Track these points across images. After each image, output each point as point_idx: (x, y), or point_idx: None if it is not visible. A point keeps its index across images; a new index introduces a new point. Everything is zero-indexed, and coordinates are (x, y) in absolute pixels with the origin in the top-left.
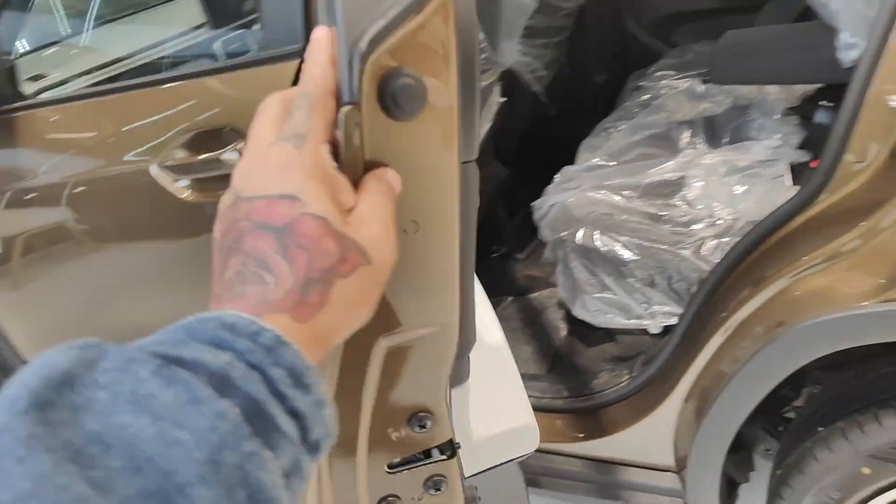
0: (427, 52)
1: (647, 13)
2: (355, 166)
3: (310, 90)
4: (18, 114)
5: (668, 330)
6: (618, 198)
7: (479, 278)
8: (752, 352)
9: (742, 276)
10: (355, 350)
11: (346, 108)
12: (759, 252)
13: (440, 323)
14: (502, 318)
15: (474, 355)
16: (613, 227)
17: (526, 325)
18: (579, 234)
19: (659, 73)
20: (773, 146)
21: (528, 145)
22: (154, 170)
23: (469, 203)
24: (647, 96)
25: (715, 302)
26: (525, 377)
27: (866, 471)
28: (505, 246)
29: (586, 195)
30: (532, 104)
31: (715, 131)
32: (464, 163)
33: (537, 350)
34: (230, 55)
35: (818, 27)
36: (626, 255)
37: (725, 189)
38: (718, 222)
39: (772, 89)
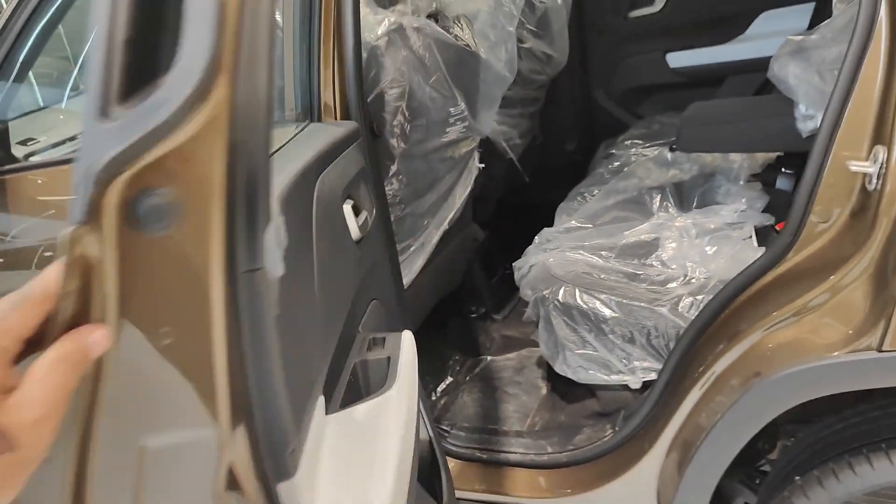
0: (183, 170)
1: (615, 86)
2: (65, 309)
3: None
4: (8, 176)
5: (647, 385)
6: (596, 258)
7: (459, 338)
8: (729, 403)
9: (717, 331)
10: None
11: (69, 229)
12: (732, 308)
13: (198, 428)
14: (482, 378)
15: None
16: (593, 285)
17: (506, 383)
18: (561, 292)
19: (628, 142)
20: (739, 210)
21: (502, 210)
22: None
23: (261, 313)
24: (618, 163)
25: (692, 357)
26: (509, 434)
27: None
28: (483, 306)
29: (565, 255)
30: (507, 171)
31: (683, 196)
32: (248, 271)
33: (519, 407)
34: None
35: (778, 99)
36: (606, 312)
37: (697, 249)
38: (692, 281)
39: (736, 157)
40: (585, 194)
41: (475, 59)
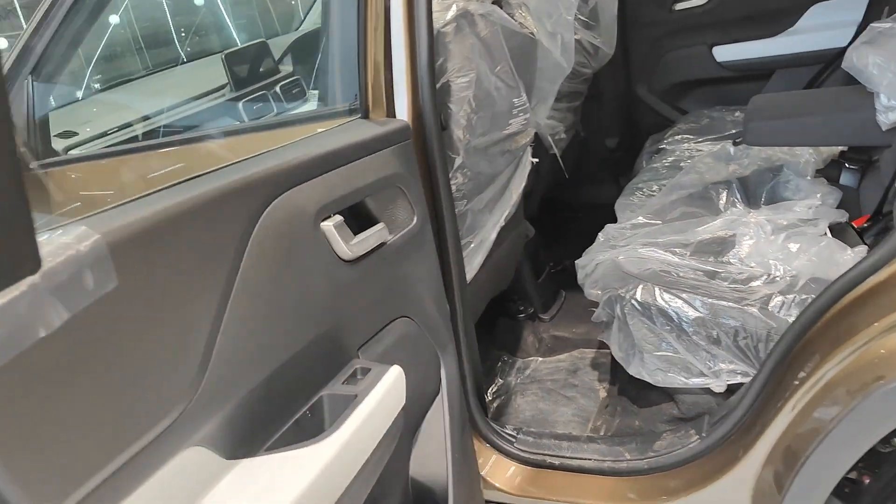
0: None
1: (658, 81)
2: None
3: None
4: (47, 170)
5: (732, 389)
6: (671, 255)
7: (507, 339)
8: (845, 410)
9: (822, 332)
10: None
11: None
12: (839, 308)
13: None
14: (533, 380)
15: None
16: (673, 283)
17: (560, 386)
18: (639, 291)
19: (678, 137)
20: (813, 206)
21: (542, 207)
22: None
23: None
24: (672, 158)
25: (793, 360)
26: (580, 440)
27: None
28: (531, 306)
29: (638, 252)
30: (551, 167)
31: (749, 191)
32: None
33: (578, 411)
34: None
35: (854, 90)
36: (690, 311)
37: (776, 246)
38: (777, 279)
39: (801, 151)
40: (644, 189)
41: (537, 47)
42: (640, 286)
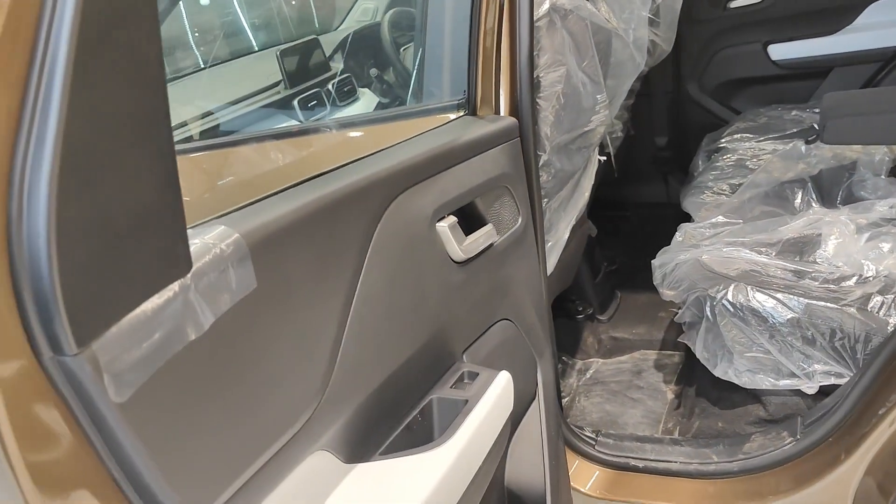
0: None
1: (709, 79)
2: None
3: None
4: None
5: (824, 390)
6: (758, 255)
7: (566, 340)
8: None
9: None
10: None
11: None
12: None
13: None
14: (596, 381)
15: None
16: (764, 283)
17: (626, 387)
18: (730, 291)
19: (738, 136)
20: (894, 204)
21: (591, 205)
22: None
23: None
24: (735, 157)
25: None
26: (664, 442)
27: None
28: (590, 307)
29: (722, 252)
30: (603, 165)
31: (824, 190)
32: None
33: (647, 413)
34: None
35: None
36: (784, 312)
37: (865, 246)
38: (871, 279)
39: (875, 150)
40: (713, 187)
41: (617, 42)
42: (732, 286)
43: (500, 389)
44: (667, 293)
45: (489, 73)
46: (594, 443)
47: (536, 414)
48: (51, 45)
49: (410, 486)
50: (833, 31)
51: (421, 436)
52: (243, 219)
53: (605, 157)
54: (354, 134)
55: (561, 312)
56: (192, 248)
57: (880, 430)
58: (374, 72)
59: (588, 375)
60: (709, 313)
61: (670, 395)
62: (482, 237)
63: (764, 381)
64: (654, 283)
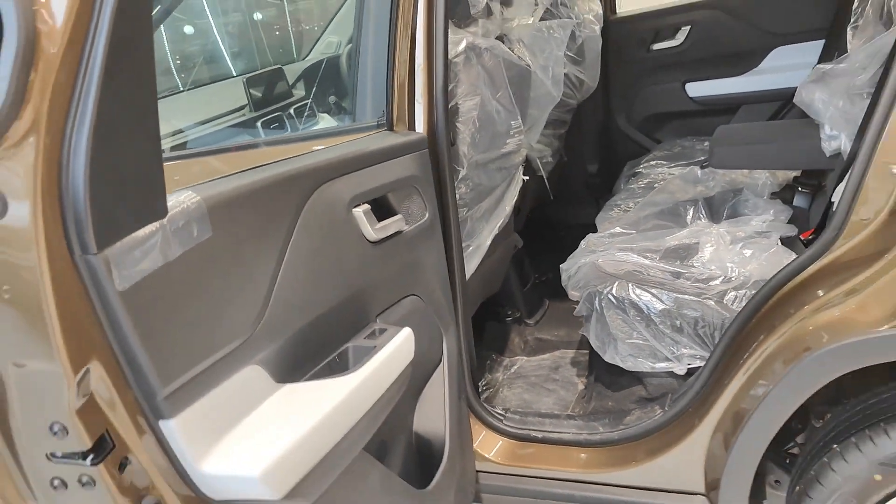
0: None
1: (636, 113)
2: None
3: None
4: None
5: (692, 372)
6: (643, 258)
7: (495, 341)
8: (780, 376)
9: (765, 317)
10: None
11: None
12: (779, 296)
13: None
14: (519, 375)
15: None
16: (644, 281)
17: (543, 380)
18: (615, 287)
19: (654, 163)
20: (767, 220)
21: (528, 223)
22: None
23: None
24: (647, 181)
25: (741, 341)
26: (560, 417)
27: (878, 478)
28: (518, 311)
29: (615, 255)
30: (537, 187)
31: (714, 208)
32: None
33: (558, 400)
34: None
35: (803, 122)
36: (657, 304)
37: (733, 253)
38: (733, 278)
39: (759, 175)
40: (621, 206)
41: (532, 78)
42: (616, 283)
43: (402, 340)
44: (572, 293)
45: (403, 97)
46: (503, 417)
47: (441, 378)
48: (91, 56)
49: (321, 401)
50: (742, 73)
51: (338, 372)
52: (204, 188)
53: (528, 178)
54: (294, 146)
55: (492, 316)
56: (168, 202)
57: (724, 398)
58: (332, 98)
59: (512, 371)
60: (597, 306)
61: (580, 386)
62: (392, 224)
63: (643, 365)
64: (563, 285)
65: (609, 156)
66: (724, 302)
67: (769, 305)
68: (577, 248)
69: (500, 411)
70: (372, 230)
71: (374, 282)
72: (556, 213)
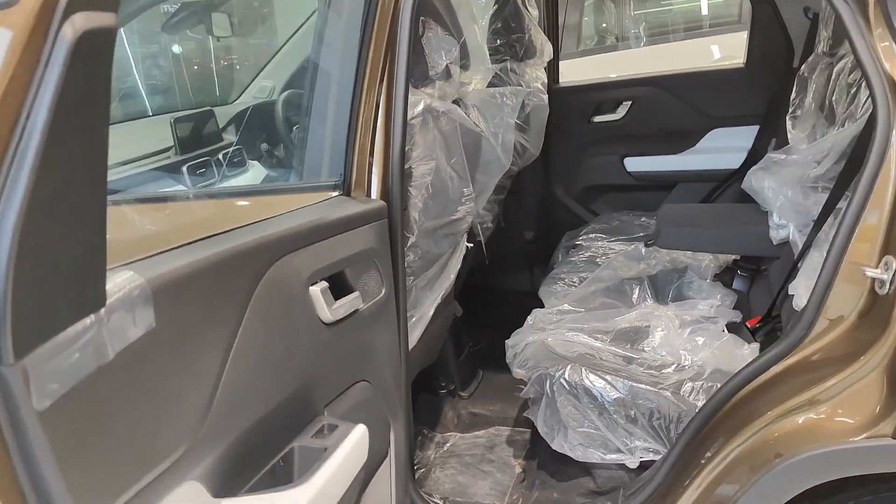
0: None
1: (574, 183)
2: None
3: None
4: None
5: (644, 465)
6: (594, 340)
7: (427, 414)
8: (749, 483)
9: (728, 415)
10: None
11: None
12: (742, 395)
13: None
14: (452, 454)
15: None
16: (597, 366)
17: (478, 460)
18: (567, 371)
19: (592, 235)
20: (714, 305)
21: (462, 290)
22: None
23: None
24: (588, 254)
25: (701, 440)
26: None
27: None
28: (452, 383)
29: (565, 335)
30: (474, 252)
31: (658, 288)
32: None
33: (495, 485)
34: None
35: (753, 208)
36: (612, 392)
37: (684, 339)
38: (686, 367)
39: (703, 257)
40: (565, 279)
41: (486, 144)
42: (569, 366)
43: (356, 440)
44: (517, 371)
45: (364, 160)
46: None
47: (387, 472)
48: (31, 115)
49: None
50: (679, 151)
51: (282, 479)
52: (147, 267)
53: (472, 245)
54: (241, 203)
55: (425, 387)
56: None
57: (685, 498)
58: (264, 146)
59: (445, 448)
60: (548, 390)
61: (518, 469)
62: (349, 302)
63: (594, 455)
64: (507, 362)
65: (546, 224)
66: (681, 393)
67: (732, 403)
68: (512, 315)
69: (438, 501)
70: (328, 311)
71: (324, 368)
72: (491, 278)
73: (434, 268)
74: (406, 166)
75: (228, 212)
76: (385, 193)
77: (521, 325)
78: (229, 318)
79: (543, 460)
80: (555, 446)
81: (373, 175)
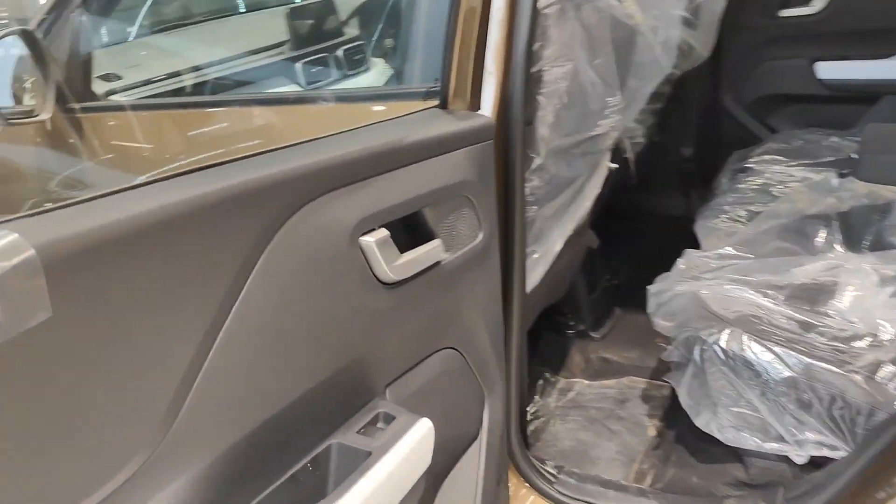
0: None
1: (747, 92)
2: None
3: None
4: (83, 114)
5: (813, 461)
6: (763, 298)
7: (551, 356)
8: None
9: None
10: None
11: None
12: None
13: None
14: (576, 404)
15: None
16: (764, 332)
17: (606, 416)
18: (724, 337)
19: (768, 157)
20: None
21: (602, 214)
22: None
23: None
24: (760, 181)
25: None
26: (629, 490)
27: None
28: (582, 323)
29: (725, 290)
30: (620, 171)
31: (852, 231)
32: None
33: (623, 449)
34: (310, 81)
35: None
36: (781, 369)
37: (885, 302)
38: (886, 344)
39: None
40: (729, 213)
41: (641, 42)
42: (727, 331)
43: (414, 442)
44: (660, 324)
45: (466, 60)
46: (554, 480)
47: (476, 457)
48: None
49: None
50: (889, 55)
51: (308, 491)
52: (54, 223)
53: (617, 165)
54: (303, 109)
55: (549, 326)
56: None
57: None
58: (389, 42)
59: (569, 397)
60: (697, 357)
61: (651, 433)
62: (423, 255)
63: (748, 441)
64: (648, 312)
65: (709, 140)
66: (877, 378)
67: None
68: (659, 245)
69: (551, 470)
70: (388, 268)
71: (383, 341)
72: (637, 200)
73: (565, 194)
74: (536, 68)
75: (287, 121)
76: (503, 105)
77: (670, 258)
78: (212, 293)
79: (683, 431)
80: (699, 423)
81: (486, 79)
